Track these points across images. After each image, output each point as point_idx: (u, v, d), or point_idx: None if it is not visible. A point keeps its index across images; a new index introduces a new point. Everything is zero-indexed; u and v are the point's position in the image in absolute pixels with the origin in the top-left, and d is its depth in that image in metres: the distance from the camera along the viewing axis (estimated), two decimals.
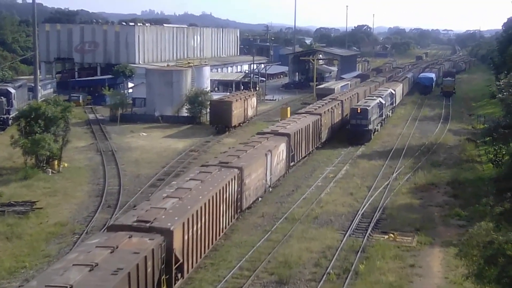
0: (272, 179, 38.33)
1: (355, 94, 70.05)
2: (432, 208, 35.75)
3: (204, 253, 26.02)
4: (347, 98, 64.89)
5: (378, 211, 34.38)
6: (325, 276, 25.25)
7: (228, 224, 30.00)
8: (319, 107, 56.19)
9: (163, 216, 22.78)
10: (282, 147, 40.54)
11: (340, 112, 59.95)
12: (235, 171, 31.04)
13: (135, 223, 21.84)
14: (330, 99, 63.15)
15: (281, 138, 41.31)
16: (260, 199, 35.82)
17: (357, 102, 64.01)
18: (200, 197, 25.95)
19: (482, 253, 19.93)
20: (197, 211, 24.69)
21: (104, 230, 26.03)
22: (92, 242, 20.40)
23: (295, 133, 43.56)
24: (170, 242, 21.57)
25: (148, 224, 21.73)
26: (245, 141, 40.83)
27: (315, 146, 50.78)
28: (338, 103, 60.00)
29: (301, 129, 45.38)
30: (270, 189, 38.03)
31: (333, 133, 56.87)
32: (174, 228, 21.95)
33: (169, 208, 23.87)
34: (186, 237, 23.24)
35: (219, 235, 28.46)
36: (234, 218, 31.18)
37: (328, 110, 55.15)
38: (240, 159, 33.43)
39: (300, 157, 45.92)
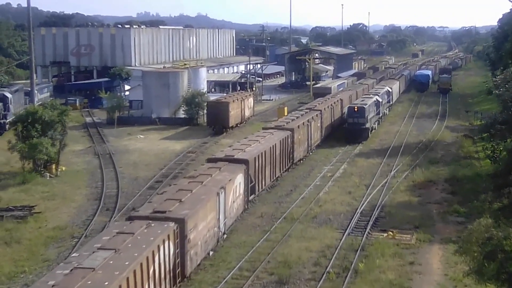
0: (227, 223, 29.61)
1: (338, 101, 61.54)
2: (431, 205, 35.75)
3: None
4: (328, 107, 56.72)
5: (377, 209, 34.39)
6: (324, 275, 25.22)
7: None
8: (292, 119, 47.34)
9: None
10: (239, 179, 31.84)
11: (319, 124, 52.05)
12: (171, 227, 21.91)
13: None
14: (307, 109, 54.49)
15: (238, 167, 32.34)
16: (211, 253, 27.28)
17: (342, 111, 59.91)
18: (106, 283, 17.07)
19: (482, 250, 19.95)
20: None
21: None
22: None
23: (255, 158, 34.98)
24: None
25: None
26: (191, 174, 31.32)
27: (285, 169, 42.15)
28: (316, 114, 51.81)
29: (265, 151, 36.76)
30: (225, 236, 29.42)
31: (311, 150, 49.66)
32: None
33: None
34: None
35: None
36: None
37: (303, 123, 46.65)
38: (182, 205, 24.39)
39: (263, 187, 37.10)
